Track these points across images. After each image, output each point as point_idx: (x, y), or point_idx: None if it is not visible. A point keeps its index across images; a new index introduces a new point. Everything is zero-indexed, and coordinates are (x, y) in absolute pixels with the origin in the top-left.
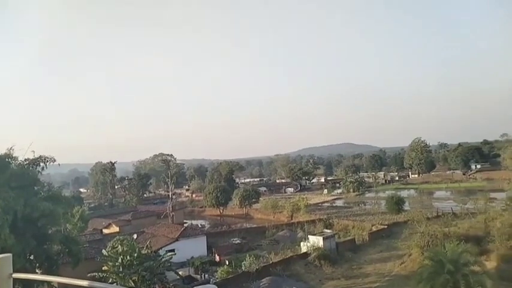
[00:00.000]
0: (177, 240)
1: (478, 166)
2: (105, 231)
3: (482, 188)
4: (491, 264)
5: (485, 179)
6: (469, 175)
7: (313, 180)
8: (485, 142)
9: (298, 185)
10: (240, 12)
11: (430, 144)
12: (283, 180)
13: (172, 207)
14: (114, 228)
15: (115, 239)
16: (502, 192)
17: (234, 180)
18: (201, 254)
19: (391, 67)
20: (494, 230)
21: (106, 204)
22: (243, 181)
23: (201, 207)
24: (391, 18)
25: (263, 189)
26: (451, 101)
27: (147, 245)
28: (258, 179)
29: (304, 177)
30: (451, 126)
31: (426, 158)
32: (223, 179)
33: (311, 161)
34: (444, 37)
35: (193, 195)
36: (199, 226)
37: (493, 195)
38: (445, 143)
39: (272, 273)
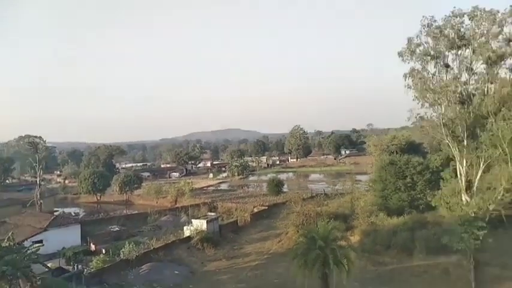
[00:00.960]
0: (45, 230)
1: (347, 152)
2: None
3: (350, 171)
4: (355, 238)
5: (353, 163)
6: (340, 160)
7: (200, 165)
8: (354, 131)
9: (184, 170)
10: None
11: (308, 132)
12: (168, 165)
13: (40, 194)
14: None
15: None
16: (366, 175)
17: (114, 165)
18: (74, 243)
19: (276, 59)
20: (358, 208)
21: None
22: (124, 166)
23: (75, 194)
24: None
25: (146, 174)
26: (327, 93)
27: (8, 237)
28: (141, 164)
29: (190, 162)
30: (326, 116)
31: (304, 144)
32: (102, 164)
33: (198, 145)
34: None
35: (66, 181)
36: (73, 214)
37: (358, 177)
38: (321, 131)
39: (153, 259)
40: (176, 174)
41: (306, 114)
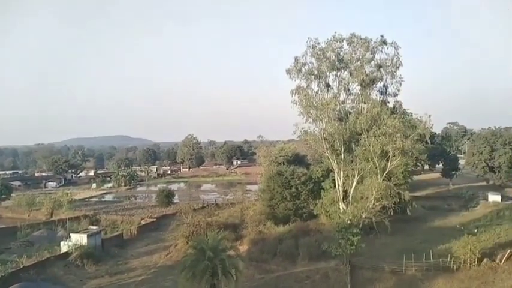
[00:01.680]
0: None
1: (239, 162)
2: None
3: (241, 181)
4: (244, 247)
5: (244, 173)
6: (231, 170)
7: (81, 174)
8: (246, 141)
9: (63, 179)
10: None
11: (201, 141)
12: (43, 174)
13: None
14: None
15: None
16: (256, 184)
17: None
18: None
19: (170, 65)
20: (247, 217)
21: None
22: None
23: None
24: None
25: (17, 183)
26: (220, 103)
27: None
28: (11, 172)
29: (70, 171)
30: (219, 126)
31: (197, 154)
32: None
33: (80, 152)
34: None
35: None
36: None
37: (249, 187)
38: (214, 141)
39: (23, 278)
40: (53, 184)
41: (200, 124)
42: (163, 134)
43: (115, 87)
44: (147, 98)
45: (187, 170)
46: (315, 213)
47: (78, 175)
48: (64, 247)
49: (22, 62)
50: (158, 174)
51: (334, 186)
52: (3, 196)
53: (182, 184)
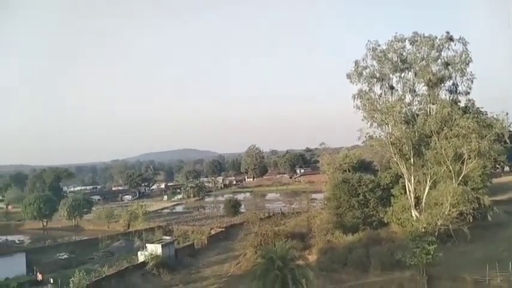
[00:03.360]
0: None
1: (302, 170)
2: None
3: (305, 189)
4: (312, 257)
5: (308, 182)
6: (295, 178)
7: (153, 187)
8: (308, 149)
9: (137, 192)
10: None
11: (264, 151)
12: (120, 188)
13: None
14: None
15: None
16: (321, 193)
17: (62, 189)
18: (19, 274)
19: (229, 79)
20: (314, 226)
21: None
22: (72, 190)
23: (19, 221)
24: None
25: (97, 197)
26: (281, 112)
27: None
28: (91, 187)
29: (143, 184)
30: (281, 135)
31: (260, 163)
32: (48, 188)
33: (151, 167)
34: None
35: (9, 207)
36: (17, 242)
37: (314, 196)
38: (276, 150)
39: (105, 287)
40: (128, 197)
41: (261, 134)
42: (227, 146)
43: (180, 103)
44: (210, 111)
45: (251, 179)
46: (386, 221)
47: (151, 188)
48: (141, 257)
49: (91, 88)
50: (224, 185)
51: (405, 192)
52: (85, 210)
53: (247, 194)
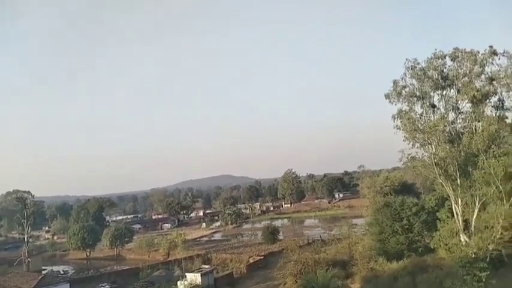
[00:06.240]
0: None
1: (341, 195)
2: None
3: (345, 215)
4: (355, 286)
5: (347, 206)
6: (334, 203)
7: (192, 214)
8: (346, 173)
9: (176, 220)
10: None
11: (300, 175)
12: (159, 216)
13: (28, 252)
14: None
15: None
16: (361, 218)
17: (104, 219)
18: None
19: (262, 104)
20: (356, 253)
21: None
22: (114, 219)
23: (64, 251)
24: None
25: (137, 226)
26: (317, 135)
27: None
28: (132, 216)
29: (182, 212)
30: (317, 159)
31: (297, 188)
32: (91, 218)
33: (190, 194)
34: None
35: (55, 238)
36: (62, 272)
37: (354, 221)
38: (313, 174)
39: None
40: (168, 226)
41: (297, 158)
42: (263, 171)
43: (216, 129)
44: (246, 137)
45: (289, 205)
46: (432, 247)
47: (190, 216)
48: (181, 286)
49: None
50: (262, 211)
51: (452, 215)
52: (126, 239)
53: (285, 220)
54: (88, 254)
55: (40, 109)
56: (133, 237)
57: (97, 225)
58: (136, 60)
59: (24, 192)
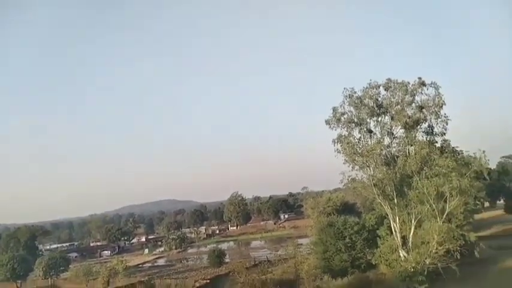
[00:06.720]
0: None
1: (286, 216)
2: None
3: (290, 235)
4: None
5: (292, 227)
6: (279, 224)
7: (133, 240)
8: (290, 194)
9: (116, 247)
10: None
11: (246, 198)
12: (98, 243)
13: None
14: None
15: None
16: (306, 238)
17: (37, 247)
18: None
19: (205, 126)
20: (303, 272)
21: None
22: (48, 247)
23: None
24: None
25: (74, 255)
26: (261, 157)
27: None
28: (68, 244)
29: (123, 238)
30: (263, 181)
31: (243, 211)
32: (22, 247)
33: (131, 219)
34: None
35: None
36: None
37: (300, 241)
38: (259, 196)
39: None
40: (107, 253)
41: (242, 181)
42: (208, 194)
43: (158, 152)
44: (189, 160)
45: (235, 228)
46: (374, 263)
47: (131, 242)
48: None
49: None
50: (207, 235)
51: (391, 233)
52: (61, 268)
53: (231, 243)
54: (19, 286)
55: None
56: (70, 266)
57: (29, 255)
58: None
59: None
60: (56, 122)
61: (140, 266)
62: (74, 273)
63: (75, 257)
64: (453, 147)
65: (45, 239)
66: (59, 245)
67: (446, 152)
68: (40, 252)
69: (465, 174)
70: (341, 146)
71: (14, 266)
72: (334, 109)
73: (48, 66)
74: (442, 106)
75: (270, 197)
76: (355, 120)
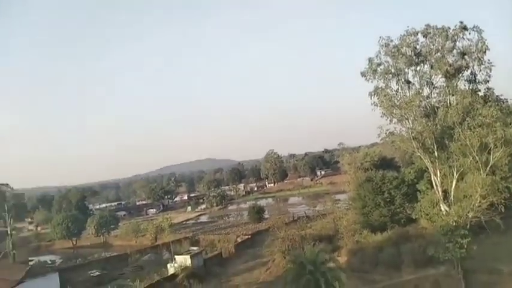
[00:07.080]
0: (21, 282)
1: (323, 172)
2: None
3: (327, 191)
4: (342, 259)
5: (329, 183)
6: (316, 181)
7: (176, 199)
8: (326, 151)
9: (161, 205)
10: None
11: (282, 155)
12: (144, 202)
13: (12, 244)
14: None
15: None
16: (344, 193)
17: (87, 207)
18: None
19: (242, 85)
20: (341, 228)
21: None
22: (98, 207)
23: (49, 241)
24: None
25: (122, 213)
26: (296, 115)
27: None
28: (116, 203)
29: (166, 197)
30: (297, 138)
31: (279, 168)
32: (74, 207)
33: (172, 179)
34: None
35: (39, 229)
36: (49, 262)
37: (337, 197)
38: (294, 153)
39: None
40: (153, 211)
41: (278, 138)
42: (245, 153)
43: (196, 112)
44: (226, 119)
45: (272, 185)
46: (414, 218)
47: (174, 200)
48: (171, 269)
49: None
50: (246, 192)
51: (432, 187)
52: (112, 226)
53: (270, 199)
54: (74, 243)
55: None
56: (119, 224)
57: (80, 214)
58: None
59: (2, 184)
60: (98, 87)
61: (184, 222)
62: (124, 230)
63: (124, 215)
64: (497, 96)
65: (94, 199)
66: (107, 204)
67: (490, 101)
68: (91, 212)
69: (510, 124)
70: (378, 98)
71: (68, 225)
72: (370, 60)
73: None
74: (485, 51)
75: (306, 154)
76: (392, 70)
